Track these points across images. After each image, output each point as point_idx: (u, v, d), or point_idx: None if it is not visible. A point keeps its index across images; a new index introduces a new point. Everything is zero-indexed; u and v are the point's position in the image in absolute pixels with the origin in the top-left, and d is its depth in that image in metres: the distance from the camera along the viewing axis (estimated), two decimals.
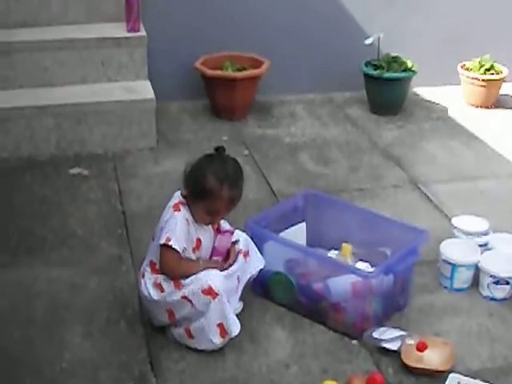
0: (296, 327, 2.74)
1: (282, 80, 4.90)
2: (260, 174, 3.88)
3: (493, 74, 4.70)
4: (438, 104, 4.88)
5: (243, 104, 4.50)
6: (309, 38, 4.86)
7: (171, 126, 4.43)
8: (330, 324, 2.72)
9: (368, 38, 4.66)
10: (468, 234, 3.07)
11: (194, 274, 2.53)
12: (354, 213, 3.01)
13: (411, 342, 2.53)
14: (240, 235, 2.74)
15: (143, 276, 2.63)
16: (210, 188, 2.50)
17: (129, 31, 4.36)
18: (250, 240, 2.75)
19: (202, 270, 2.52)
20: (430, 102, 4.93)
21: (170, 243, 2.49)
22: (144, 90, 4.26)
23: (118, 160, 4.03)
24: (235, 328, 2.57)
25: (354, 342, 2.66)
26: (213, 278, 2.52)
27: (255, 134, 4.39)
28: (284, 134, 4.42)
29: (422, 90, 5.05)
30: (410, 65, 4.59)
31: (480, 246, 3.00)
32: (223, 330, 2.56)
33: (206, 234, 2.66)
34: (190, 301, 2.53)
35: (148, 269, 2.62)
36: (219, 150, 2.61)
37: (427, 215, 3.49)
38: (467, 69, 4.78)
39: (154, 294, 2.58)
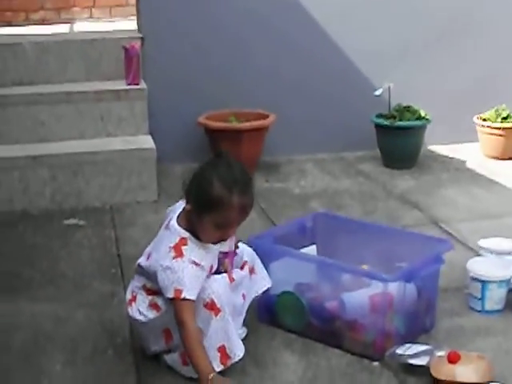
0: (308, 351, 2.41)
1: (290, 138, 4.69)
2: (268, 220, 3.61)
3: (510, 122, 4.47)
4: (454, 158, 4.64)
5: (250, 158, 4.26)
6: (316, 94, 4.69)
7: (173, 182, 4.17)
8: (347, 346, 2.39)
9: (378, 89, 4.46)
10: (497, 253, 2.76)
11: (190, 356, 2.16)
12: (368, 230, 2.72)
13: (441, 353, 2.19)
14: (245, 248, 2.44)
15: (135, 300, 2.32)
16: (218, 196, 2.14)
17: (128, 85, 4.20)
18: (255, 255, 2.45)
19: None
20: (446, 156, 4.69)
21: (182, 296, 2.13)
22: (144, 141, 4.05)
23: (116, 212, 3.78)
24: (239, 351, 2.25)
25: (375, 363, 2.32)
26: (216, 290, 2.20)
27: (262, 187, 4.14)
28: (293, 186, 4.17)
29: (437, 148, 4.81)
30: (423, 114, 4.38)
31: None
32: (224, 354, 2.22)
33: (215, 257, 2.31)
34: None
35: (142, 292, 2.30)
36: (222, 153, 2.28)
37: (451, 251, 3.17)
38: (483, 119, 4.57)
39: (150, 314, 2.26)
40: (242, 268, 2.40)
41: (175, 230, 2.23)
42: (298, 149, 4.72)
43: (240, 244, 2.44)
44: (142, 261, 2.30)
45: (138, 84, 4.21)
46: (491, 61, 4.85)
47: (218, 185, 2.15)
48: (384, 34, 4.69)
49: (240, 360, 2.25)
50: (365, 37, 4.65)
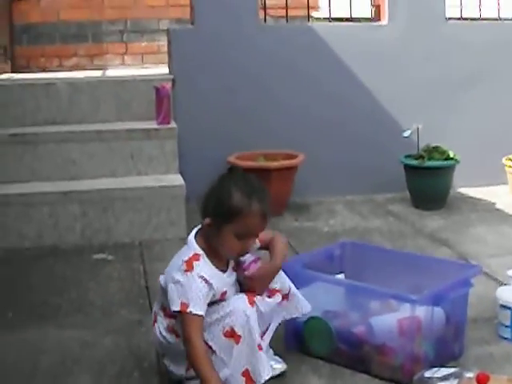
0: (335, 376, 2.39)
1: (320, 180, 4.71)
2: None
3: None
4: (483, 199, 4.61)
5: (279, 198, 4.27)
6: (345, 135, 4.72)
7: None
8: (375, 370, 2.36)
9: (406, 130, 4.48)
10: None
11: (196, 370, 2.15)
12: (397, 258, 2.71)
13: (470, 375, 2.15)
14: (280, 275, 2.39)
15: (156, 321, 2.32)
16: (239, 206, 2.16)
17: (159, 124, 4.25)
18: (288, 281, 2.40)
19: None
20: (475, 198, 4.66)
21: (187, 310, 2.14)
22: (174, 178, 4.09)
23: (145, 247, 3.80)
24: (264, 375, 2.20)
25: None
26: (235, 317, 2.19)
27: (292, 226, 4.15)
28: (322, 225, 4.17)
29: (467, 190, 4.79)
30: (451, 154, 4.37)
31: None
32: (249, 378, 2.20)
33: (230, 283, 2.30)
34: (210, 346, 2.19)
35: (161, 313, 2.30)
36: (234, 168, 2.34)
37: (481, 283, 3.13)
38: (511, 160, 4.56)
39: (170, 338, 2.26)
40: (270, 296, 2.36)
41: (191, 245, 2.25)
42: (327, 190, 4.73)
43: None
44: (161, 278, 2.31)
45: (168, 123, 4.27)
46: None
47: (237, 194, 2.17)
48: (413, 75, 4.73)
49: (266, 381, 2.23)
50: (393, 78, 4.70)
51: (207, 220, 2.23)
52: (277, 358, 2.39)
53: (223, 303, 2.22)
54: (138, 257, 3.67)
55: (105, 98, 4.41)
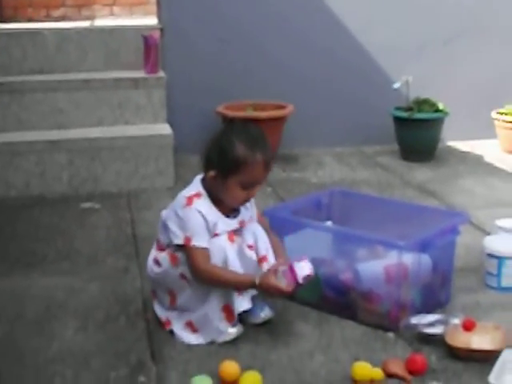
0: (322, 322, 2.39)
1: (308, 132, 4.68)
2: None
3: None
4: (472, 153, 4.60)
5: None
6: (335, 87, 4.68)
7: (191, 170, 4.16)
8: (362, 317, 2.36)
9: (396, 82, 4.44)
10: None
11: (231, 284, 2.20)
12: (385, 206, 2.70)
13: (456, 320, 2.16)
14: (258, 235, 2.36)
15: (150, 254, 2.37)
16: (242, 156, 2.20)
17: (147, 73, 4.20)
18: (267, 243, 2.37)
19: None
20: (464, 151, 4.65)
21: (191, 244, 2.19)
22: (161, 128, 4.05)
23: (133, 197, 3.78)
24: (242, 306, 2.21)
25: (390, 334, 2.29)
26: (216, 252, 2.23)
27: (280, 177, 4.13)
28: (310, 176, 4.16)
29: (455, 143, 4.78)
30: (441, 106, 4.35)
31: None
32: (230, 313, 2.23)
33: (228, 227, 2.29)
34: (188, 280, 2.24)
35: (155, 246, 2.36)
36: (234, 120, 2.36)
37: (468, 234, 3.13)
38: (502, 114, 4.53)
39: (155, 269, 2.31)
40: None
41: (197, 183, 2.29)
42: (315, 142, 4.71)
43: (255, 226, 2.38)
44: (162, 212, 2.33)
45: (156, 73, 4.22)
46: (510, 56, 4.82)
47: (240, 145, 2.21)
48: (403, 29, 4.68)
49: (254, 328, 2.24)
50: (383, 31, 4.64)
51: (211, 172, 2.25)
52: (264, 304, 2.38)
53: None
54: (125, 206, 3.65)
55: (92, 47, 4.35)
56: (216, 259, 2.20)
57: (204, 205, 2.24)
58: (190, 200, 2.23)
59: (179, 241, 2.21)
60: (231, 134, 2.26)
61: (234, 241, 2.25)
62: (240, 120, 2.38)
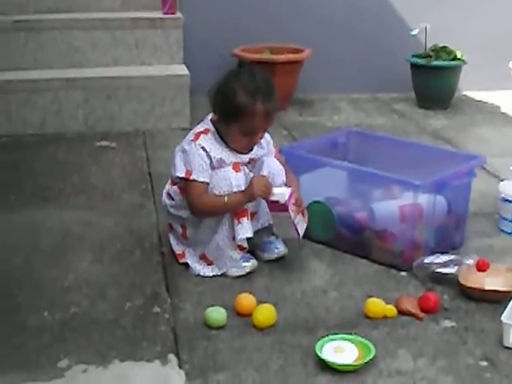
0: (336, 260, 2.41)
1: (325, 77, 4.65)
2: None
3: None
4: (489, 103, 4.57)
5: (283, 92, 4.17)
6: (353, 33, 4.64)
7: (206, 112, 4.16)
8: (375, 256, 2.38)
9: (414, 29, 4.40)
10: None
11: (220, 212, 2.24)
12: (402, 148, 2.69)
13: (470, 261, 2.17)
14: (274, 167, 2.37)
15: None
16: (243, 104, 2.20)
17: (164, 14, 4.17)
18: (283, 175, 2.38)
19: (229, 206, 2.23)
20: (480, 101, 4.61)
21: (191, 178, 2.22)
22: (178, 68, 4.03)
23: (148, 136, 3.78)
24: (243, 233, 2.24)
25: (403, 273, 2.31)
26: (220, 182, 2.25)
27: (296, 120, 4.12)
28: (326, 120, 4.15)
29: (472, 93, 4.74)
30: (459, 55, 4.31)
31: None
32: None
33: (234, 160, 2.30)
34: None
35: (169, 180, 2.38)
36: (245, 64, 2.36)
37: (483, 180, 3.13)
38: None
39: (168, 201, 2.36)
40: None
41: (207, 121, 2.31)
42: (332, 87, 4.68)
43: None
44: (176, 147, 2.34)
45: (174, 13, 4.19)
46: None
47: (241, 93, 2.21)
48: None
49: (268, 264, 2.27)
50: None
51: (215, 116, 2.28)
52: (278, 241, 2.40)
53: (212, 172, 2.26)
54: (141, 145, 3.66)
55: None
56: (221, 188, 2.22)
57: (209, 140, 2.25)
58: (197, 136, 2.26)
59: (181, 174, 2.24)
60: (235, 80, 2.25)
61: (240, 170, 2.26)
62: (250, 64, 2.33)
